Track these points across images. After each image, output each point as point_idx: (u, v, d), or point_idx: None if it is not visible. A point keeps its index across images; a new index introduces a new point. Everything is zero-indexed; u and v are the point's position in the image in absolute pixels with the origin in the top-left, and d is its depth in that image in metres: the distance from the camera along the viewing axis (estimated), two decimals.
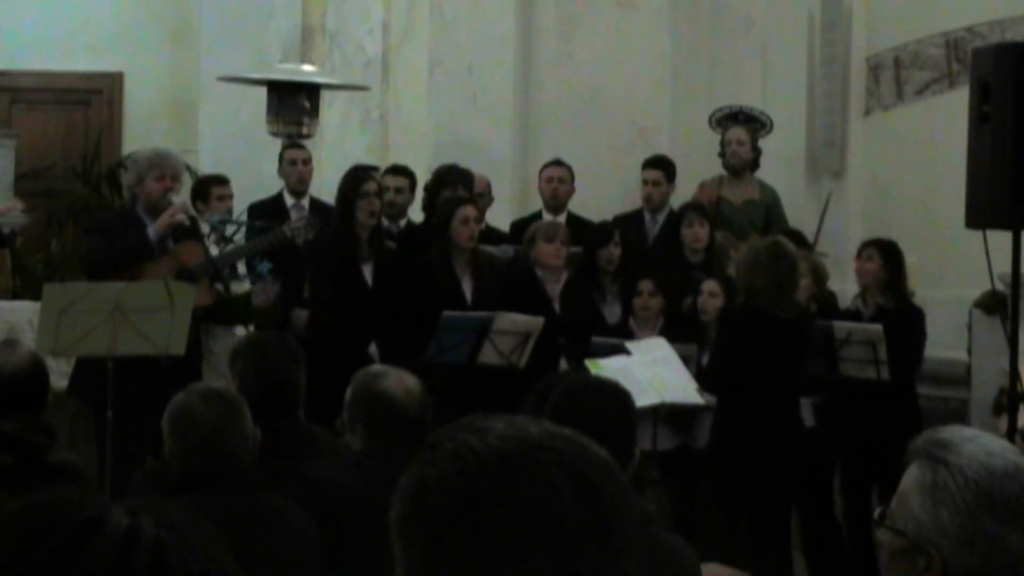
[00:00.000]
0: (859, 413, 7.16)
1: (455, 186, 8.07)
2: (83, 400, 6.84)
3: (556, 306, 7.57)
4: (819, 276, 7.44)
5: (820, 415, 7.15)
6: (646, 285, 7.52)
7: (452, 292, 7.41)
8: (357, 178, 7.62)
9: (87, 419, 6.95)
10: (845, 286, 8.34)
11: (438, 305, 7.14)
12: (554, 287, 7.62)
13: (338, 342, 7.13)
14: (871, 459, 7.06)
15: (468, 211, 7.55)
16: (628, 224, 8.34)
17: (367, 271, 7.48)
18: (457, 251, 7.51)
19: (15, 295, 8.97)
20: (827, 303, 7.49)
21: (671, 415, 7.03)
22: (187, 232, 7.00)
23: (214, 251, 7.27)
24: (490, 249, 7.93)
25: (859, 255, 7.50)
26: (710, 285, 7.38)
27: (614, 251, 7.76)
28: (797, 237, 7.87)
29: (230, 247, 7.35)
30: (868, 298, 7.43)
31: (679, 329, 7.39)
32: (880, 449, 6.88)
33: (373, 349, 7.24)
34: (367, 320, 7.33)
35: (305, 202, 8.45)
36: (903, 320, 7.28)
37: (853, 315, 7.40)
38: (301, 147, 8.68)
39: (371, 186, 7.53)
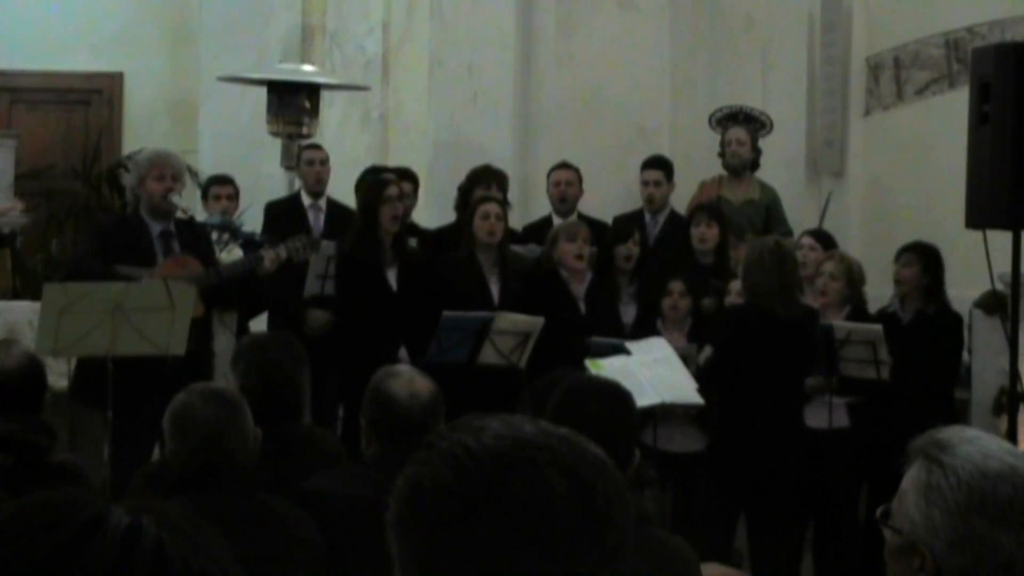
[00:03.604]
0: (891, 416, 7.08)
1: (489, 186, 8.08)
2: (88, 405, 6.80)
3: (582, 306, 7.56)
4: (853, 278, 7.37)
5: (855, 417, 7.11)
6: (676, 286, 7.45)
7: (479, 292, 7.41)
8: (379, 183, 7.61)
9: (88, 419, 6.94)
10: None
11: (466, 305, 7.14)
12: (579, 288, 7.61)
13: (365, 347, 7.11)
14: (900, 463, 7.00)
15: (488, 207, 7.56)
16: (630, 223, 8.34)
17: (392, 276, 7.47)
18: (483, 249, 7.52)
19: (15, 295, 8.97)
20: (860, 305, 7.45)
21: (700, 416, 6.99)
22: (190, 239, 6.97)
23: (215, 251, 7.25)
24: (516, 248, 7.93)
25: (897, 259, 7.44)
26: (738, 286, 7.31)
27: (633, 249, 7.73)
28: (826, 238, 7.85)
29: (225, 263, 7.25)
30: (908, 303, 7.38)
31: (700, 330, 7.35)
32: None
33: (403, 353, 7.23)
34: (394, 324, 7.32)
35: (322, 203, 8.45)
36: (944, 325, 7.25)
37: (891, 317, 7.35)
38: (319, 147, 8.69)
39: (393, 191, 7.53)
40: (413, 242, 7.89)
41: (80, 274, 6.59)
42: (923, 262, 7.31)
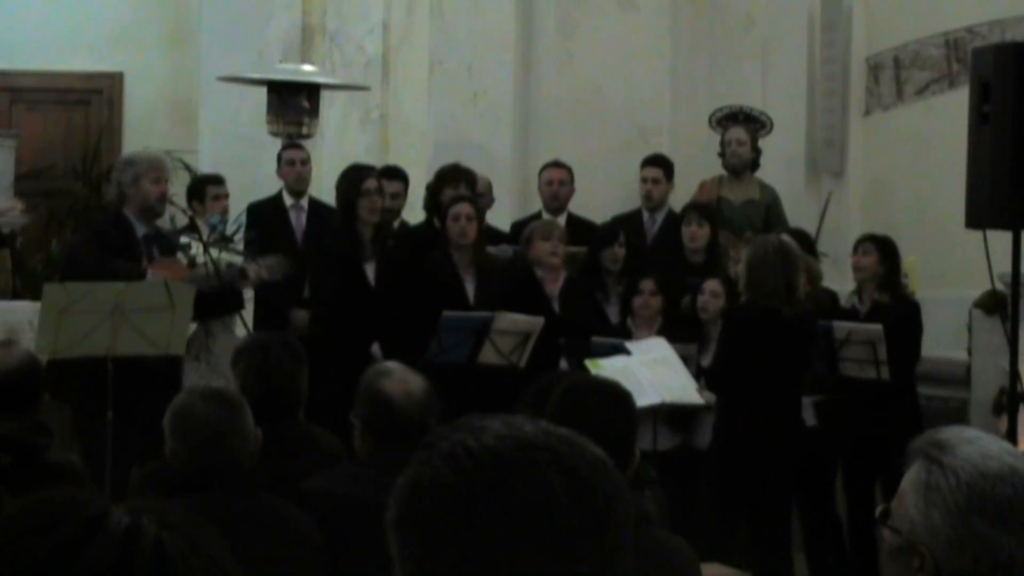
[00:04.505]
0: (860, 411, 7.16)
1: (457, 185, 8.07)
2: (52, 396, 6.78)
3: (555, 305, 7.58)
4: (812, 279, 7.43)
5: (821, 414, 7.15)
6: (647, 284, 7.51)
7: (454, 291, 7.42)
8: (357, 177, 7.62)
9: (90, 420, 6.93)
10: (845, 286, 8.33)
11: (440, 305, 7.15)
12: (553, 287, 7.64)
13: (341, 341, 7.13)
14: (872, 457, 7.07)
15: (459, 208, 7.57)
16: (627, 224, 8.35)
17: (370, 270, 7.48)
18: (458, 250, 7.53)
19: (15, 295, 8.97)
20: (823, 304, 7.49)
21: (670, 415, 7.03)
22: (165, 243, 6.99)
23: (214, 251, 7.24)
24: (489, 249, 7.94)
25: (856, 250, 7.49)
26: (712, 285, 7.37)
27: (618, 252, 7.76)
28: (803, 238, 7.88)
29: (201, 271, 7.23)
30: (864, 294, 7.42)
31: (678, 329, 7.39)
32: (881, 447, 6.88)
33: (376, 348, 7.24)
34: (370, 319, 7.33)
35: (304, 202, 8.45)
36: (900, 315, 7.27)
37: (850, 313, 7.39)
38: (299, 147, 8.68)
39: (371, 184, 7.54)
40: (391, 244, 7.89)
41: (78, 269, 6.58)
42: (880, 252, 7.35)
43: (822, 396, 7.14)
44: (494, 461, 1.42)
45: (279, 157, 8.60)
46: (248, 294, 7.54)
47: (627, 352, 6.88)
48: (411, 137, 9.99)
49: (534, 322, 7.13)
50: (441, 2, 9.75)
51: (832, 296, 7.74)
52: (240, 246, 7.49)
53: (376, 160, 9.41)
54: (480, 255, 7.60)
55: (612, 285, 7.79)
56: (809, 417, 7.00)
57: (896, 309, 7.29)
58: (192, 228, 7.19)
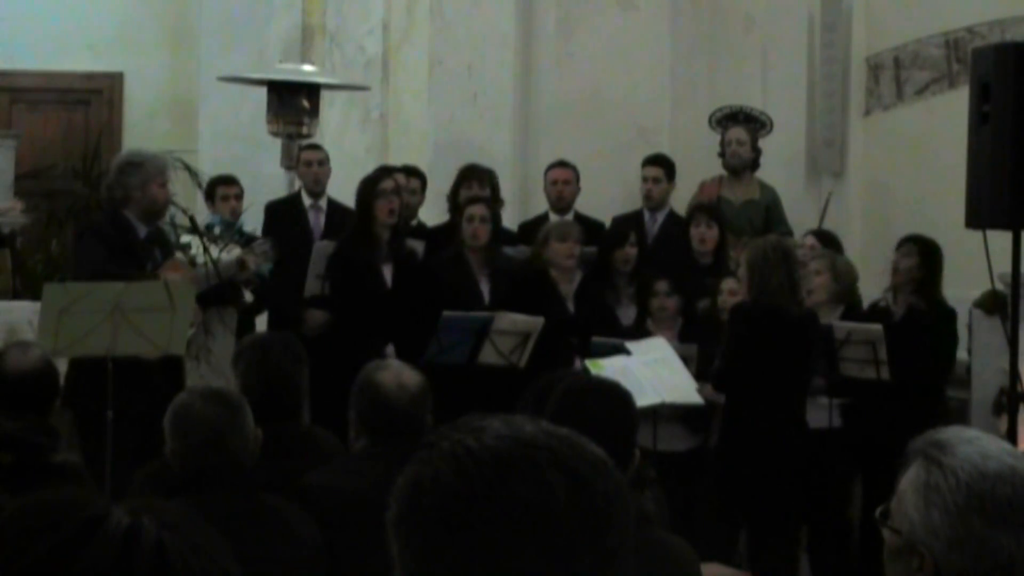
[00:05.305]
0: (884, 414, 7.09)
1: (470, 185, 8.09)
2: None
3: (570, 306, 7.56)
4: (838, 272, 7.38)
5: (846, 417, 7.12)
6: (662, 286, 7.46)
7: (470, 292, 7.42)
8: (375, 178, 7.63)
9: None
10: None
11: (456, 306, 7.14)
12: (568, 287, 7.61)
13: (356, 343, 7.11)
14: (894, 461, 7.02)
15: (473, 210, 7.58)
16: (628, 224, 8.34)
17: (387, 272, 7.47)
18: (472, 251, 7.52)
19: (15, 295, 8.97)
20: (855, 306, 7.47)
21: (688, 415, 7.00)
22: (163, 243, 7.00)
23: (214, 251, 7.24)
24: (507, 250, 7.93)
25: (898, 249, 7.44)
26: (730, 284, 7.32)
27: (630, 252, 7.74)
28: (828, 237, 7.87)
29: (221, 264, 7.23)
30: (900, 296, 7.38)
31: (694, 329, 7.36)
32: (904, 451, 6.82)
33: (390, 350, 7.22)
34: (385, 321, 7.32)
35: (323, 203, 8.47)
36: (934, 321, 7.24)
37: (883, 312, 7.36)
38: (317, 148, 8.71)
39: (388, 184, 7.53)
40: (420, 246, 7.87)
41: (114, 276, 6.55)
42: (922, 254, 7.31)
43: (848, 398, 7.11)
44: (494, 461, 1.42)
45: (296, 158, 8.63)
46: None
47: (627, 352, 6.87)
48: (411, 137, 9.99)
49: (534, 322, 7.12)
50: (441, 2, 9.75)
51: (857, 302, 7.71)
52: (266, 246, 7.44)
53: (376, 160, 9.41)
54: (494, 256, 7.59)
55: (623, 286, 7.76)
56: (835, 419, 6.99)
57: (932, 315, 7.25)
58: (193, 228, 7.18)
